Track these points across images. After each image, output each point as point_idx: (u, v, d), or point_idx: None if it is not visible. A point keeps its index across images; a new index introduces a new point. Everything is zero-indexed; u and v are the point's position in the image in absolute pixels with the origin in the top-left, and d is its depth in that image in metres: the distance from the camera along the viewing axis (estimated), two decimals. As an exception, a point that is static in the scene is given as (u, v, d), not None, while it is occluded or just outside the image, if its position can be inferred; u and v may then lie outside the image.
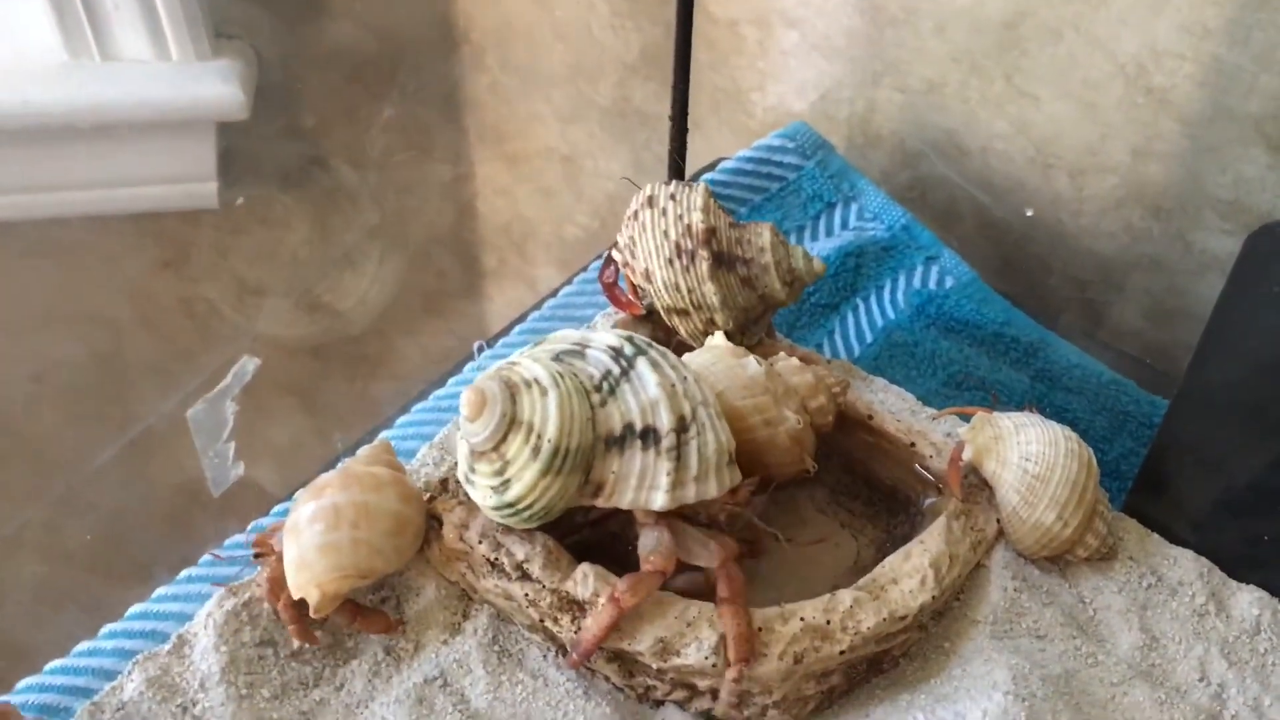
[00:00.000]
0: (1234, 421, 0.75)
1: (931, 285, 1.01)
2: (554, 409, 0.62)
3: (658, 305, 0.79)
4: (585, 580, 0.66)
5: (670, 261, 0.77)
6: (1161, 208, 1.02)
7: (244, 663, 0.67)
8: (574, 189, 1.43)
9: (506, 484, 0.63)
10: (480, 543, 0.68)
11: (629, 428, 0.63)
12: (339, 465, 0.71)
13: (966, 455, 0.73)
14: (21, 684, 0.70)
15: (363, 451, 0.73)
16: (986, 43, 1.04)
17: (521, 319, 0.98)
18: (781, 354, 0.76)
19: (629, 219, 0.79)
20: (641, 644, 0.64)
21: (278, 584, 0.67)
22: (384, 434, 0.85)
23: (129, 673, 0.67)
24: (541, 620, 0.67)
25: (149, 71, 1.30)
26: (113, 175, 1.37)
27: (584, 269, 1.01)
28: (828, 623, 0.66)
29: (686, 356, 0.72)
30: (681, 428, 0.64)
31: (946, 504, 0.73)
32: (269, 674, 0.67)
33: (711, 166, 1.08)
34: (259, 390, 0.90)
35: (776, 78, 1.20)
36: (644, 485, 0.64)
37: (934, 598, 0.68)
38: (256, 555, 0.69)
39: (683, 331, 0.79)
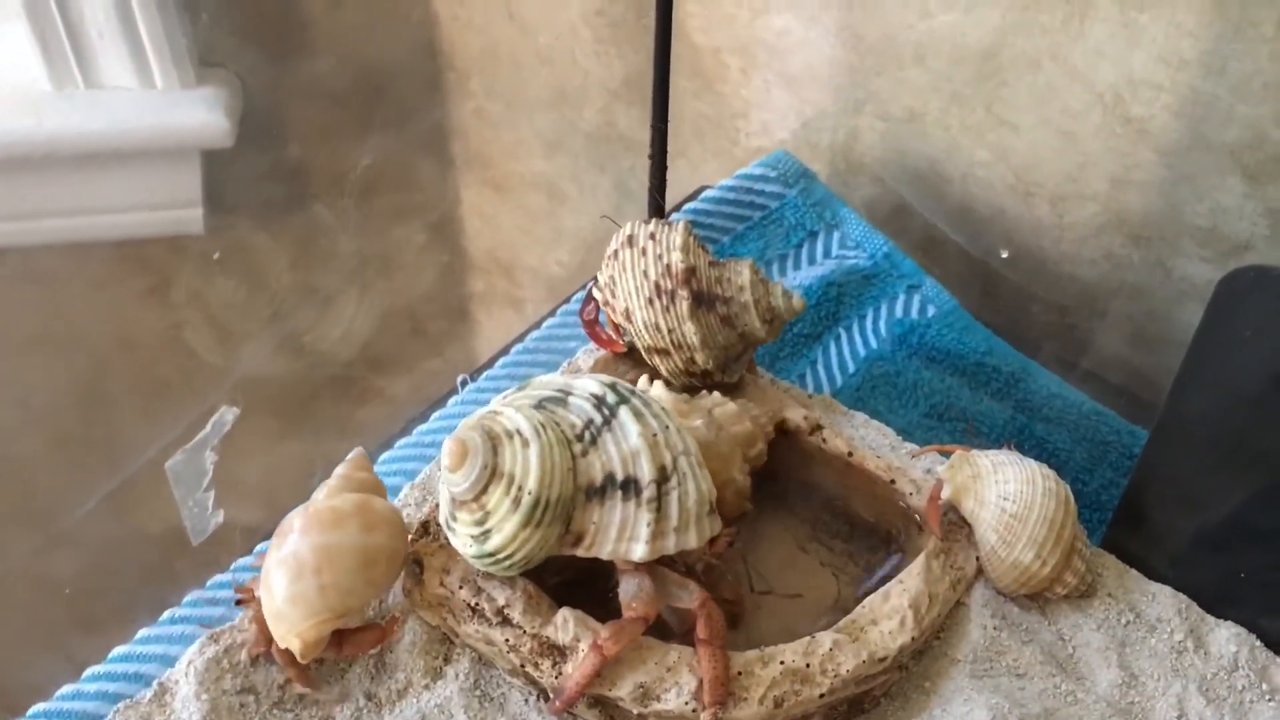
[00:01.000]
0: (1211, 457, 0.76)
1: (914, 314, 1.01)
2: (535, 461, 0.62)
3: (638, 344, 0.79)
4: (566, 625, 0.66)
5: (650, 301, 0.77)
6: (1141, 235, 1.03)
7: (225, 710, 0.67)
8: (559, 212, 1.43)
9: (487, 534, 0.63)
10: (461, 588, 0.68)
11: (610, 478, 0.64)
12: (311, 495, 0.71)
13: (945, 494, 0.73)
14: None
15: (339, 469, 0.72)
16: (966, 72, 1.04)
17: (505, 351, 0.98)
18: (715, 395, 0.76)
19: (609, 258, 0.80)
20: (622, 689, 0.65)
21: (265, 631, 0.67)
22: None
23: (111, 721, 0.67)
24: (522, 665, 0.67)
25: (133, 99, 1.30)
26: (97, 203, 1.37)
27: (566, 300, 1.01)
28: (808, 665, 0.66)
29: None
30: (663, 478, 0.64)
31: (926, 542, 0.73)
32: (250, 721, 0.67)
33: (694, 195, 1.08)
34: (242, 420, 0.90)
35: (759, 105, 1.20)
36: (624, 536, 0.64)
37: (914, 638, 0.68)
38: (239, 603, 0.69)
39: (663, 370, 0.79)
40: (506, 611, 0.67)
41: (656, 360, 0.79)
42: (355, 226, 1.40)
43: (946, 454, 0.77)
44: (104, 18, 1.24)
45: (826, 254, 1.06)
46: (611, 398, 0.66)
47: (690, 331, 0.76)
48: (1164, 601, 0.74)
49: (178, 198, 1.37)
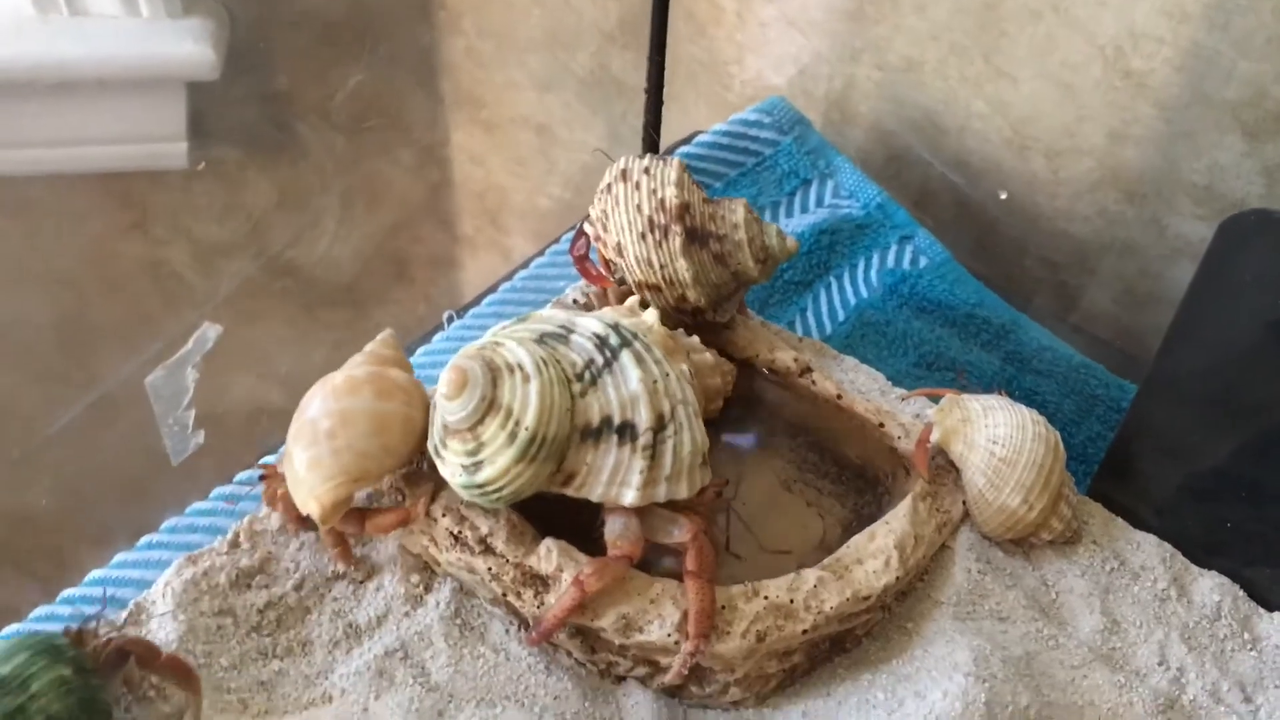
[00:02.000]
0: (1200, 408, 0.76)
1: (905, 265, 1.00)
2: (535, 397, 0.61)
3: (629, 280, 0.78)
4: (549, 555, 0.66)
5: (643, 236, 0.76)
6: (1136, 192, 1.02)
7: (202, 632, 0.66)
8: (550, 155, 1.42)
9: (479, 465, 0.62)
10: (444, 516, 0.67)
11: (606, 421, 0.63)
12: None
13: (934, 437, 0.73)
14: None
15: (367, 346, 0.72)
16: (967, 22, 1.03)
17: (492, 289, 0.97)
18: (695, 340, 0.74)
19: (602, 192, 0.78)
20: (604, 620, 0.64)
21: (291, 506, 0.67)
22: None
23: (84, 640, 0.66)
24: (504, 594, 0.66)
25: (118, 28, 1.28)
26: (79, 133, 1.35)
27: (556, 240, 1.00)
28: (791, 601, 0.65)
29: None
30: (659, 426, 0.63)
31: (913, 485, 0.72)
32: (227, 643, 0.67)
33: (687, 140, 1.07)
34: (223, 356, 0.89)
35: (755, 51, 1.19)
36: (615, 481, 0.63)
37: (898, 579, 0.68)
38: (263, 478, 0.70)
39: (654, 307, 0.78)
40: (489, 540, 0.66)
41: (648, 296, 0.78)
42: (341, 165, 1.38)
43: (936, 398, 0.77)
44: (90, -59, 1.22)
45: (819, 202, 1.05)
46: (614, 339, 0.64)
47: (682, 268, 0.75)
48: (1148, 550, 0.74)
49: (161, 130, 1.34)
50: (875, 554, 0.68)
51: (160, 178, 1.36)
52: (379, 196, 1.46)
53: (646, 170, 0.77)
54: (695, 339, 0.74)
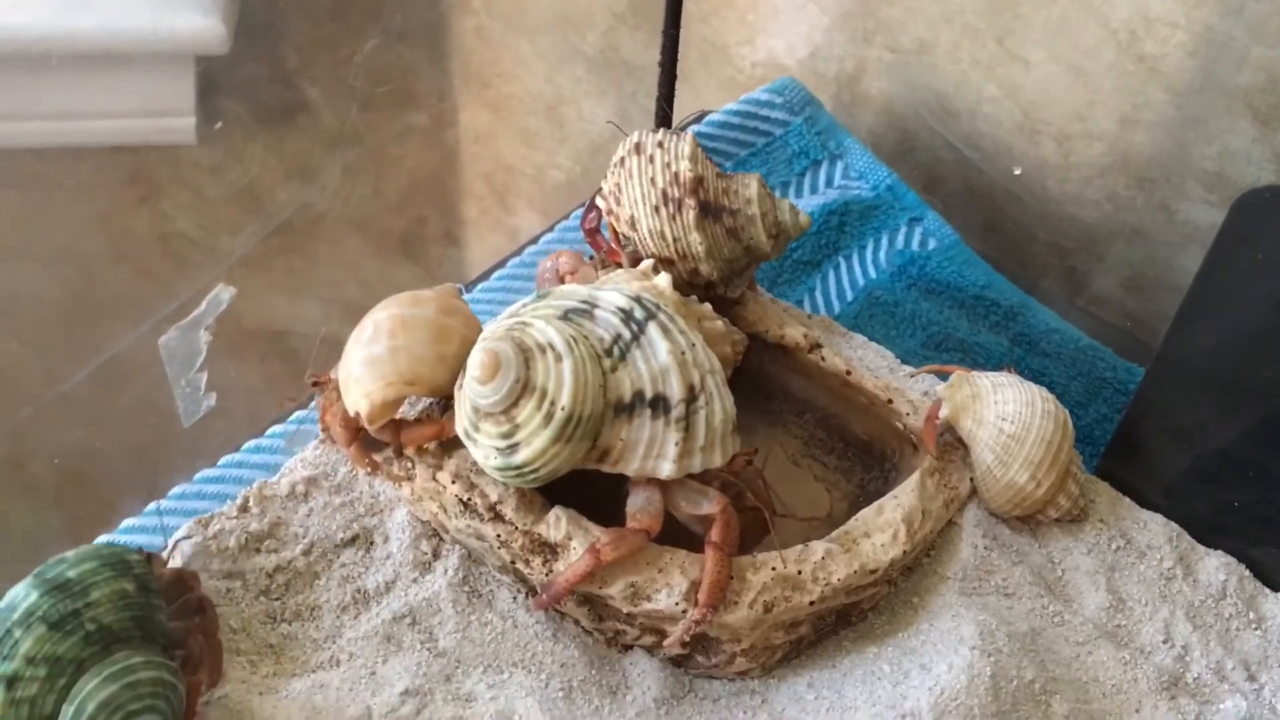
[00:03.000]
0: (1209, 389, 0.76)
1: (914, 246, 1.00)
2: (569, 376, 0.61)
3: (642, 253, 0.78)
4: (558, 523, 0.66)
5: (656, 209, 0.76)
6: (1146, 177, 1.02)
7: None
8: (558, 135, 1.42)
9: (514, 447, 0.62)
10: (453, 483, 0.67)
11: (639, 395, 0.63)
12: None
13: (943, 413, 0.73)
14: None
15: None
16: (980, 4, 1.03)
17: (501, 264, 0.97)
18: (707, 307, 0.74)
19: (615, 165, 0.78)
20: (613, 588, 0.64)
21: (337, 412, 0.68)
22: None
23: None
24: (513, 562, 0.66)
25: (127, 1, 1.28)
26: (88, 106, 1.34)
27: (565, 217, 1.00)
28: (799, 573, 0.66)
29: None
30: (691, 397, 0.63)
31: (921, 461, 0.73)
32: (236, 606, 0.67)
33: (698, 119, 1.07)
34: (232, 329, 0.89)
35: (766, 32, 1.19)
36: (651, 454, 0.63)
37: (905, 552, 0.68)
38: (314, 384, 0.70)
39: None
40: (499, 507, 0.66)
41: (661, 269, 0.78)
42: (349, 140, 1.38)
43: (944, 375, 0.77)
44: (100, -88, 1.21)
45: (829, 183, 1.05)
46: (639, 312, 0.64)
47: (696, 241, 0.75)
48: (1155, 529, 0.74)
49: (170, 105, 1.34)
50: (883, 528, 0.69)
51: (169, 151, 1.36)
52: (386, 173, 1.45)
53: (660, 144, 0.77)
54: (707, 306, 0.74)
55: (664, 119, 0.92)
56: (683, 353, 0.64)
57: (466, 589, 0.69)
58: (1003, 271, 1.00)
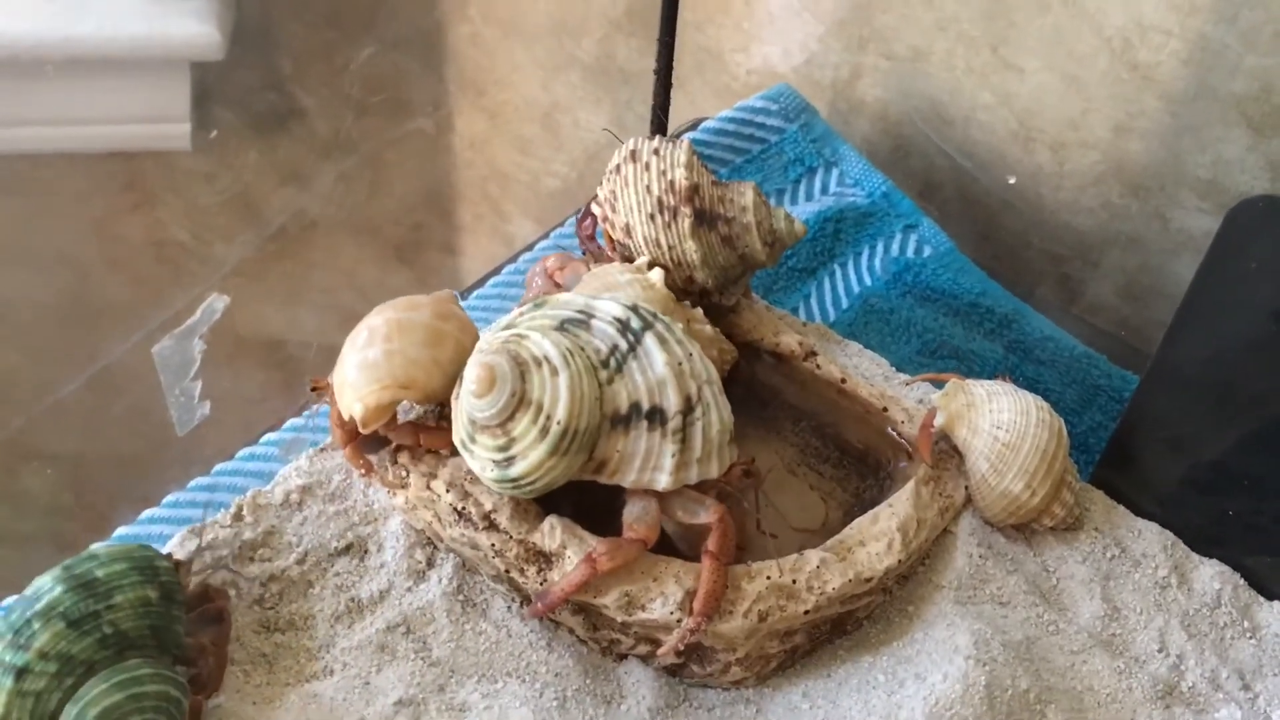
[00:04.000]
0: (1204, 398, 0.76)
1: (909, 253, 1.00)
2: (565, 390, 0.61)
3: (637, 260, 0.78)
4: (553, 532, 0.66)
5: (652, 217, 0.76)
6: (1140, 185, 1.02)
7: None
8: (553, 143, 1.42)
9: (511, 460, 0.62)
10: (447, 492, 0.67)
11: (635, 407, 0.62)
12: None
13: (938, 421, 0.73)
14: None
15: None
16: (974, 11, 1.03)
17: (497, 271, 0.97)
18: (698, 312, 0.74)
19: (611, 172, 0.78)
20: (607, 598, 0.64)
21: (336, 414, 0.68)
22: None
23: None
24: (507, 570, 0.66)
25: (123, 7, 1.28)
26: (83, 112, 1.35)
27: (561, 224, 1.00)
28: (794, 582, 0.66)
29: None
30: (688, 408, 0.63)
31: (916, 469, 0.73)
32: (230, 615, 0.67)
33: (693, 126, 1.07)
34: (227, 338, 0.88)
35: (761, 39, 1.19)
36: (648, 466, 0.63)
37: (900, 561, 0.68)
38: (314, 389, 0.70)
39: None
40: (493, 516, 0.66)
41: (654, 277, 0.78)
42: (343, 147, 1.38)
43: (940, 383, 0.77)
44: (96, -81, 1.22)
45: (824, 190, 1.05)
46: (636, 322, 0.64)
47: (691, 249, 0.75)
48: (1150, 538, 0.74)
49: (165, 111, 1.34)
50: (878, 536, 0.69)
51: (164, 157, 1.36)
52: (382, 179, 1.45)
53: (656, 151, 0.77)
54: (699, 311, 0.74)
55: (659, 126, 0.92)
56: (680, 363, 0.63)
57: (461, 598, 0.68)
58: (998, 279, 1.00)
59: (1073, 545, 0.73)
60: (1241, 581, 0.72)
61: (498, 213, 1.55)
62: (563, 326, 0.64)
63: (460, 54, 1.43)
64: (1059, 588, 0.72)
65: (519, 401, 0.61)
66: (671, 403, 0.63)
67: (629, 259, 0.77)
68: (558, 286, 0.75)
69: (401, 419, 0.70)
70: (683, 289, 0.77)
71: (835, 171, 1.06)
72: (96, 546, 0.72)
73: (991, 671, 0.65)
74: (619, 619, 0.65)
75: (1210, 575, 0.72)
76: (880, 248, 1.01)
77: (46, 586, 0.60)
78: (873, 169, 1.05)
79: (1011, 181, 1.06)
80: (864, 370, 0.82)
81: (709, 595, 0.63)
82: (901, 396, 0.77)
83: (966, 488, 0.73)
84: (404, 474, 0.69)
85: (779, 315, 0.84)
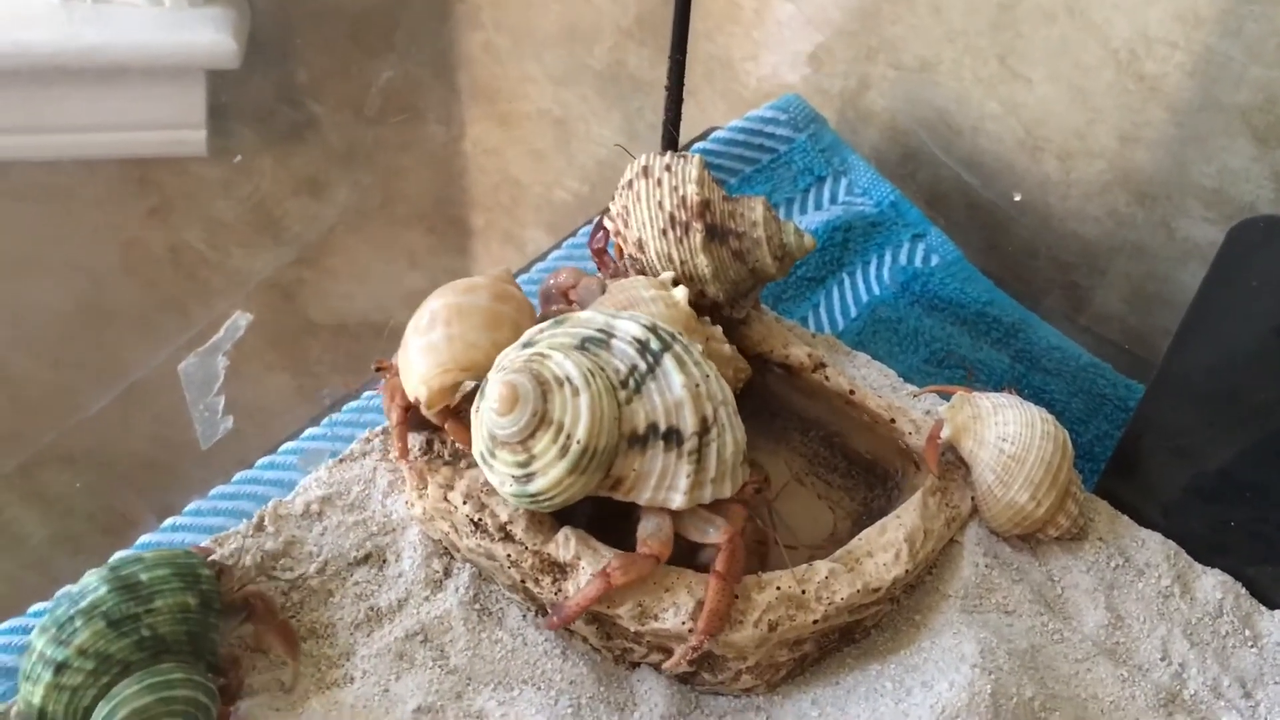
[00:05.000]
0: (1208, 409, 0.77)
1: (917, 262, 1.01)
2: (586, 411, 0.62)
3: (649, 275, 0.79)
4: (567, 543, 0.67)
5: (664, 232, 0.77)
6: (1147, 194, 1.03)
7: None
8: (565, 153, 1.43)
9: (530, 476, 0.63)
10: (464, 503, 0.69)
11: (653, 428, 0.64)
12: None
13: (945, 433, 0.74)
14: (3, 625, 0.71)
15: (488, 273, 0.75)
16: (982, 22, 1.04)
17: (510, 281, 0.98)
18: (717, 330, 0.76)
19: (623, 188, 0.80)
20: (621, 608, 0.66)
21: (396, 394, 0.71)
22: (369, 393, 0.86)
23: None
24: (522, 581, 0.68)
25: (140, 16, 1.29)
26: (102, 120, 1.36)
27: (573, 234, 1.01)
28: (803, 592, 0.67)
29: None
30: (704, 430, 0.64)
31: (923, 480, 0.74)
32: (252, 625, 0.68)
33: (703, 136, 1.08)
34: (246, 341, 0.90)
35: (770, 48, 1.20)
36: (663, 485, 0.64)
37: (907, 571, 0.69)
38: (378, 369, 0.73)
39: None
40: (509, 528, 0.68)
41: (666, 291, 0.79)
42: (358, 156, 1.40)
43: (946, 395, 0.78)
44: (113, -69, 1.23)
45: (833, 200, 1.07)
46: (655, 344, 0.65)
47: (703, 264, 0.77)
48: (1153, 547, 0.75)
49: (182, 118, 1.36)
50: (886, 547, 0.70)
51: (180, 165, 1.38)
52: (395, 188, 1.47)
53: (668, 167, 0.78)
54: (718, 329, 0.75)
55: (671, 141, 0.93)
56: (697, 385, 0.65)
57: (477, 607, 0.70)
58: (1004, 288, 1.01)
59: (1077, 555, 0.75)
60: (1243, 591, 0.74)
61: (511, 218, 1.56)
62: (583, 345, 0.65)
63: (473, 61, 1.45)
64: (1063, 597, 0.73)
65: (540, 420, 0.63)
66: (688, 424, 0.64)
67: (641, 273, 0.79)
68: (570, 304, 0.76)
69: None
70: (694, 303, 0.79)
71: (844, 181, 1.07)
72: (143, 544, 0.74)
73: (997, 680, 0.66)
74: (632, 628, 0.66)
75: (1212, 584, 0.74)
76: (888, 257, 1.02)
77: (92, 585, 0.62)
78: (881, 178, 1.06)
79: (1018, 199, 1.07)
80: (872, 381, 0.83)
81: (712, 614, 0.64)
82: (909, 407, 0.79)
83: (973, 498, 0.75)
84: (422, 484, 0.70)
85: (788, 327, 0.85)
